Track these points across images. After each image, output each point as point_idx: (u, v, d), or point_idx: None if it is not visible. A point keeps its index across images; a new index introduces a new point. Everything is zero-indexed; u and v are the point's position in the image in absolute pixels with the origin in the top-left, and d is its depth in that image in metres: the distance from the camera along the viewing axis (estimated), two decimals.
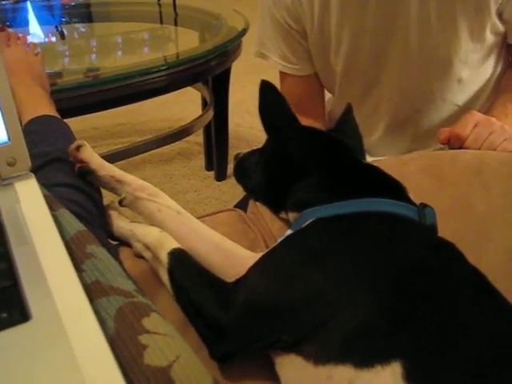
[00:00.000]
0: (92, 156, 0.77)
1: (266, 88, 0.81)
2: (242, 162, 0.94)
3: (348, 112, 0.93)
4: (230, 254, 0.72)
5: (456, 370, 0.48)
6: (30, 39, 1.32)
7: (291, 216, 0.75)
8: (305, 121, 1.23)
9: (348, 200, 0.66)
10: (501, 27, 1.05)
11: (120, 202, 0.76)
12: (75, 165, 0.77)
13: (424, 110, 1.17)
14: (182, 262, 0.68)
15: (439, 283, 0.56)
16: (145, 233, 0.74)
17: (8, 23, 2.12)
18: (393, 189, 0.71)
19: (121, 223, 0.79)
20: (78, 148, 0.77)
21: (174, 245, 0.69)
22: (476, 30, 1.04)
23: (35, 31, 2.08)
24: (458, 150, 0.95)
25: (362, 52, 1.12)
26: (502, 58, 1.16)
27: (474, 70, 1.12)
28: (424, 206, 0.66)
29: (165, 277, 0.67)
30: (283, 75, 1.28)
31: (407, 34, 1.06)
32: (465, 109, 1.13)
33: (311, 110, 1.26)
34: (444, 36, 1.05)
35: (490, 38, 1.06)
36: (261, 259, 0.65)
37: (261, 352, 0.61)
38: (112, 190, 0.77)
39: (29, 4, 2.31)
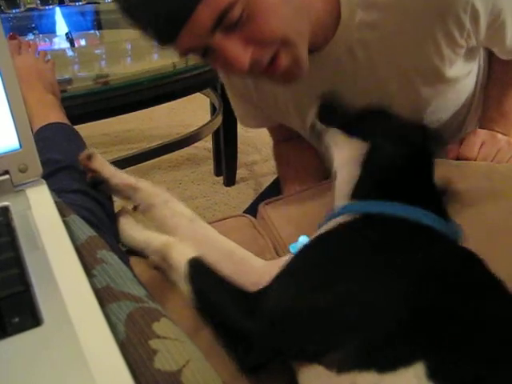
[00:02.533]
0: (104, 165, 0.77)
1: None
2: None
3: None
4: (243, 262, 0.72)
5: (477, 366, 0.49)
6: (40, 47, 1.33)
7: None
8: (300, 139, 1.21)
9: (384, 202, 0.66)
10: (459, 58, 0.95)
11: (134, 208, 0.76)
12: (86, 174, 0.77)
13: None
14: (202, 272, 0.67)
15: (461, 288, 0.56)
16: (161, 244, 0.73)
17: (19, 31, 2.14)
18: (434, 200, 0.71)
19: (135, 233, 0.77)
20: (89, 157, 0.77)
21: (193, 254, 0.69)
22: (440, 88, 0.98)
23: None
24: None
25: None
26: (480, 65, 1.08)
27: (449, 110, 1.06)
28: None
29: (185, 288, 0.66)
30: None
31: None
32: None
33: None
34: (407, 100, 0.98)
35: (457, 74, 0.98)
36: (287, 266, 0.64)
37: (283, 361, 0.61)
38: (126, 197, 0.77)
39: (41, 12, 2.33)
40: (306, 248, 0.67)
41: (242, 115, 1.24)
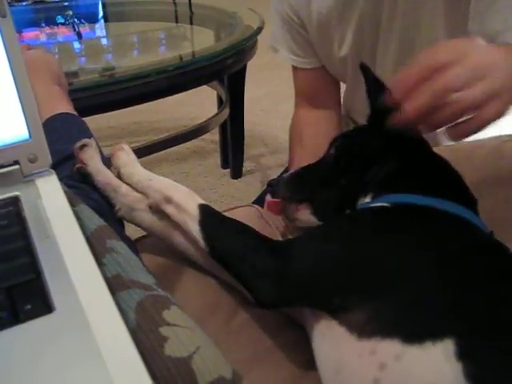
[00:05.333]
0: (92, 159, 0.76)
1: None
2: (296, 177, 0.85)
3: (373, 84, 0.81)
4: None
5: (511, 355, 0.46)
6: None
7: (367, 197, 0.73)
8: (320, 112, 1.23)
9: (431, 197, 0.65)
10: None
11: (115, 213, 0.75)
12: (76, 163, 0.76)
13: None
14: (214, 215, 0.67)
15: (496, 273, 0.56)
16: (166, 184, 0.72)
17: (24, 24, 2.15)
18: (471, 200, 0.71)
19: (135, 170, 0.77)
20: (82, 147, 0.76)
21: (202, 201, 0.69)
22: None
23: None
24: (474, 145, 0.94)
25: (368, 38, 1.11)
26: None
27: None
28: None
29: (195, 228, 0.66)
30: (294, 69, 1.29)
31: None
32: None
33: (325, 102, 1.27)
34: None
35: None
36: (320, 226, 0.65)
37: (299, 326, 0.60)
38: (107, 197, 0.75)
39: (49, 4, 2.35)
40: (340, 217, 0.67)
41: (276, 32, 1.26)
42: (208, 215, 0.67)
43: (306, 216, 0.79)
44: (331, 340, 0.54)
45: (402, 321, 0.50)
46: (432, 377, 0.45)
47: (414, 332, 0.48)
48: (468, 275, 0.54)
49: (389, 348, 0.48)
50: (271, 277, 0.58)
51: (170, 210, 0.69)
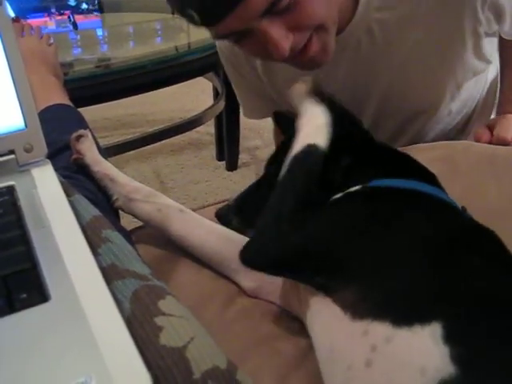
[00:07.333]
0: (89, 149, 0.76)
1: None
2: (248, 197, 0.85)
3: None
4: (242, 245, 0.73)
5: (498, 336, 0.47)
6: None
7: None
8: None
9: (406, 179, 0.67)
10: (485, 49, 0.97)
11: (113, 203, 0.75)
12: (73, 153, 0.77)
13: (414, 132, 1.12)
14: (308, 159, 0.67)
15: (485, 256, 0.56)
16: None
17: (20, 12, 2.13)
18: (432, 177, 0.73)
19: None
20: (79, 138, 0.77)
21: (319, 142, 0.68)
22: (460, 75, 0.99)
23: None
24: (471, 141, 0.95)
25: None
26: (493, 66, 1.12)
27: (463, 98, 1.07)
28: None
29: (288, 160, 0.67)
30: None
31: (384, 92, 1.02)
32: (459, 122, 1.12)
33: None
34: (429, 89, 1.01)
35: (478, 65, 1.00)
36: (330, 206, 0.65)
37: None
38: (104, 188, 0.76)
39: None
40: (350, 195, 0.67)
41: (248, 107, 1.27)
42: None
43: None
44: (327, 317, 0.55)
45: (393, 304, 0.51)
46: (420, 360, 0.46)
47: (405, 315, 0.49)
48: (456, 258, 0.55)
49: (380, 330, 0.49)
50: (275, 243, 0.60)
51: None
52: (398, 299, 0.51)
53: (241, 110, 1.32)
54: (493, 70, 1.12)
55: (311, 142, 0.68)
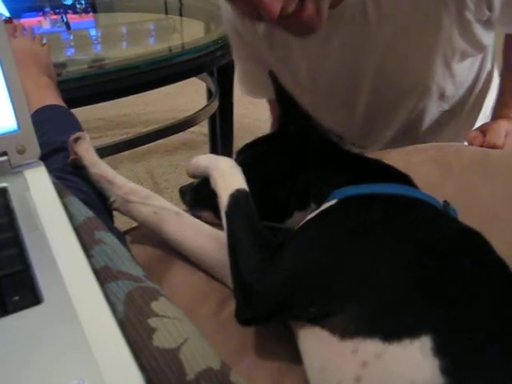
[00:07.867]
0: (87, 151, 0.76)
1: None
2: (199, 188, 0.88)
3: None
4: None
5: (486, 346, 0.47)
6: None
7: (314, 206, 0.74)
8: None
9: (374, 183, 0.67)
10: (478, 36, 0.99)
11: (110, 205, 0.75)
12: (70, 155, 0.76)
13: (409, 112, 1.14)
14: (239, 208, 0.67)
15: (469, 264, 0.56)
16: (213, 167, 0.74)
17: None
18: (405, 178, 0.72)
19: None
20: (76, 140, 0.76)
21: (238, 186, 0.69)
22: (448, 54, 1.00)
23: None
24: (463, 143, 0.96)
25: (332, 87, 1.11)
26: (488, 57, 1.14)
27: (457, 81, 1.09)
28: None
29: (223, 218, 0.67)
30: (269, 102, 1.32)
31: (378, 67, 1.03)
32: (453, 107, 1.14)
33: None
34: (419, 66, 1.03)
35: (466, 48, 1.01)
36: (300, 232, 0.64)
37: (283, 323, 0.61)
38: (102, 189, 0.75)
39: None
40: (319, 215, 0.66)
41: (246, 82, 1.27)
42: (234, 207, 0.67)
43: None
44: (314, 341, 0.55)
45: (380, 320, 0.51)
46: (410, 373, 0.46)
47: (393, 330, 0.49)
48: (442, 267, 0.55)
49: (370, 347, 0.49)
50: (248, 296, 0.58)
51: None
52: (386, 315, 0.51)
53: (233, 108, 1.32)
54: (488, 64, 1.14)
55: (230, 192, 0.68)
